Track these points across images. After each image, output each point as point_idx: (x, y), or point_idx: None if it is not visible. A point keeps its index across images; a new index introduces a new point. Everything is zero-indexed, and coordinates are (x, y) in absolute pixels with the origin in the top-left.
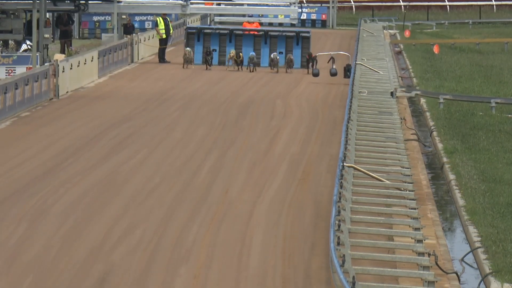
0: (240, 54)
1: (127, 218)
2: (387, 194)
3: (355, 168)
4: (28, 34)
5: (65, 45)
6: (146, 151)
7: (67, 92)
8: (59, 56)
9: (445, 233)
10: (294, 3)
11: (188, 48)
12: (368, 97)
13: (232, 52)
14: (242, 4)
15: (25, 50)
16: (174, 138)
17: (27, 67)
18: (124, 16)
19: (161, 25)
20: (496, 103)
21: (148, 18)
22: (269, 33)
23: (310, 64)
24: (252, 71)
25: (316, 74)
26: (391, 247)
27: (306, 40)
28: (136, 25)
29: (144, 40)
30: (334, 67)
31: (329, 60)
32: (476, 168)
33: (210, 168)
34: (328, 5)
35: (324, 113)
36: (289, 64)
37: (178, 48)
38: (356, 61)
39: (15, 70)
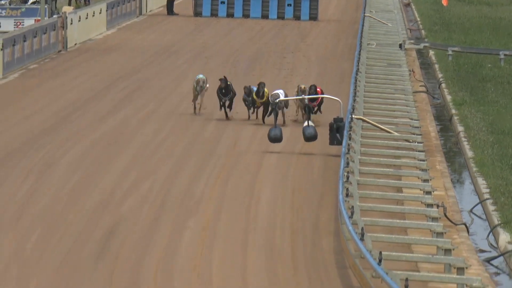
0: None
1: (135, 171)
2: (395, 146)
3: (363, 120)
4: None
5: None
6: (155, 104)
7: (75, 44)
8: (67, 8)
9: (453, 184)
10: None
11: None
12: (376, 49)
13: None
14: None
15: (33, 2)
16: (182, 91)
17: (35, 19)
18: None
19: None
20: (505, 55)
21: None
22: None
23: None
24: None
25: (275, 138)
26: (400, 199)
27: None
28: None
29: None
30: (310, 123)
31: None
32: (484, 120)
33: (218, 121)
34: None
35: (332, 65)
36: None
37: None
38: (364, 13)
39: (23, 22)
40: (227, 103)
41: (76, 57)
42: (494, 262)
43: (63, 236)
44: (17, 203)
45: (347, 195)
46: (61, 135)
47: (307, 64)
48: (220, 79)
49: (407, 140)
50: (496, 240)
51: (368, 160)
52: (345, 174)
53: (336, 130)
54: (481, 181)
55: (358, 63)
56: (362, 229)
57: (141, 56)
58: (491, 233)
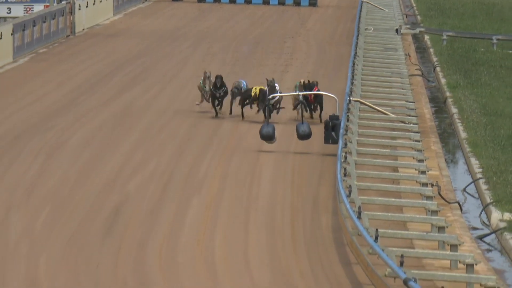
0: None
1: (141, 151)
2: (392, 127)
3: (361, 102)
4: None
5: None
6: (159, 87)
7: (83, 29)
8: None
9: (447, 164)
10: None
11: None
12: (374, 34)
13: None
14: None
15: None
16: (186, 74)
17: (44, 5)
18: None
19: None
20: (497, 39)
21: None
22: None
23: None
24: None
25: (267, 135)
26: (396, 178)
27: None
28: None
29: None
30: (305, 120)
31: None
32: (477, 102)
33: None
34: None
35: (331, 49)
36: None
37: None
38: (362, 0)
39: (33, 8)
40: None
41: (83, 41)
42: (486, 239)
43: (71, 214)
44: (27, 182)
45: (345, 174)
46: (69, 117)
47: (307, 49)
48: (216, 77)
49: (403, 122)
50: (488, 218)
51: (365, 141)
52: (343, 154)
53: (332, 128)
54: (474, 161)
55: (356, 47)
56: (359, 207)
57: (146, 41)
58: (483, 211)
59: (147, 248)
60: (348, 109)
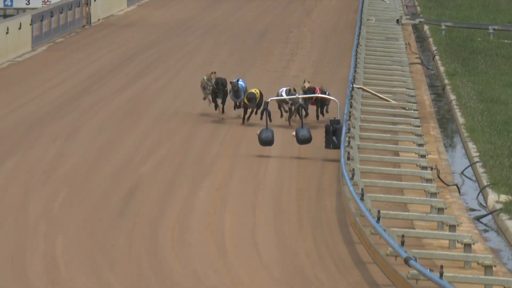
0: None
1: (153, 136)
2: (393, 113)
3: (363, 89)
4: None
5: None
6: (171, 75)
7: (98, 19)
8: None
9: (446, 148)
10: None
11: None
12: (375, 24)
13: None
14: None
15: None
16: (196, 63)
17: None
18: None
19: None
20: (494, 29)
21: None
22: None
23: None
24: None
25: (266, 140)
26: (397, 162)
27: None
28: None
29: None
30: (303, 125)
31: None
32: (475, 89)
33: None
34: None
35: (335, 39)
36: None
37: None
38: None
39: None
40: (219, 101)
41: (99, 31)
42: (483, 220)
43: (87, 195)
44: (46, 165)
45: (348, 158)
46: (85, 103)
47: (312, 38)
48: (217, 78)
49: (403, 108)
50: (485, 200)
51: (367, 126)
52: (347, 139)
53: (333, 133)
54: (471, 146)
55: (359, 37)
56: (362, 189)
57: (158, 31)
58: (480, 193)
59: (160, 229)
60: (351, 95)
